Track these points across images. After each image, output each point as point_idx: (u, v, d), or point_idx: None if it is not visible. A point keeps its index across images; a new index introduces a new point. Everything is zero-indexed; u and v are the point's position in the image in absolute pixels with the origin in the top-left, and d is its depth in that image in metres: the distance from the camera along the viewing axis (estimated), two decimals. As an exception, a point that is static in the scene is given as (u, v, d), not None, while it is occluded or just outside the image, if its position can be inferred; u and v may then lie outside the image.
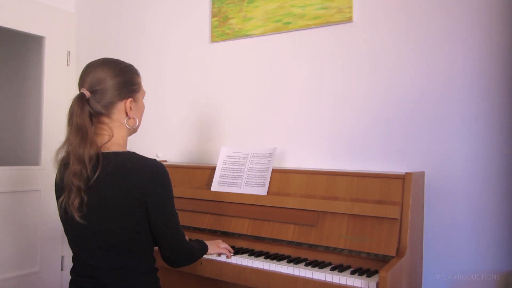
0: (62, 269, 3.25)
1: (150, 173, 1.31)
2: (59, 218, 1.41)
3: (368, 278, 1.55)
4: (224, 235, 2.05)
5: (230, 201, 2.07)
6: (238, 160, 2.18)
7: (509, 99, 1.83)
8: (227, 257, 1.82)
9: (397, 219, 1.68)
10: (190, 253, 1.50)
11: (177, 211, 1.43)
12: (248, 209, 2.02)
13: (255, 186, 2.06)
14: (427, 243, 1.95)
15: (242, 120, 2.54)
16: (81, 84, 1.36)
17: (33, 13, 3.10)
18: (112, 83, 1.35)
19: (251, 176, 2.09)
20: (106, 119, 1.37)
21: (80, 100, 1.31)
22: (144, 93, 1.49)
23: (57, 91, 3.26)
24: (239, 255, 1.83)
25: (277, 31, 2.40)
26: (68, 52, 3.34)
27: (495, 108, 1.85)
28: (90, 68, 1.38)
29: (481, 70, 1.88)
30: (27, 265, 3.04)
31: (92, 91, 1.33)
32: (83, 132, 1.28)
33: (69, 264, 3.27)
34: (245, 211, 2.02)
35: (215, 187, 2.18)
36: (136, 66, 1.51)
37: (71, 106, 1.32)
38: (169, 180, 1.37)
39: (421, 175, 1.91)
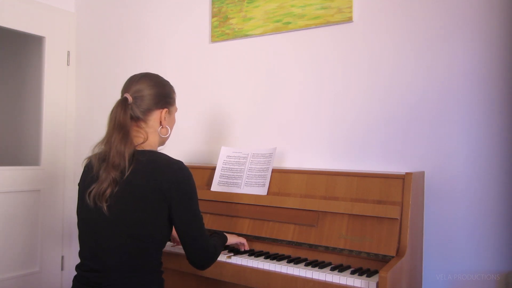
0: (62, 269, 3.25)
1: (177, 171, 1.42)
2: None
3: (368, 278, 1.55)
4: (224, 235, 2.06)
5: (230, 201, 2.07)
6: (238, 160, 2.18)
7: (509, 99, 1.83)
8: (245, 247, 1.91)
9: (397, 219, 1.68)
10: (214, 253, 1.55)
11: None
12: (248, 209, 2.02)
13: (255, 186, 2.06)
14: (427, 243, 1.95)
15: (242, 120, 2.54)
16: (125, 90, 1.50)
17: (33, 13, 3.10)
18: (152, 92, 1.50)
19: (251, 176, 2.09)
20: (142, 124, 1.50)
21: (123, 103, 1.45)
22: (176, 109, 1.63)
23: (57, 91, 3.26)
24: (239, 255, 1.83)
25: (277, 31, 2.40)
26: (68, 52, 3.34)
27: (495, 108, 1.85)
28: (134, 78, 1.52)
29: (481, 70, 1.88)
30: (27, 265, 3.04)
31: (134, 97, 1.47)
32: (125, 131, 1.41)
33: (69, 264, 3.29)
34: (245, 211, 2.02)
35: (215, 187, 2.18)
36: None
37: (114, 107, 1.45)
38: (193, 182, 1.47)
39: (421, 175, 1.91)
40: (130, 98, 1.46)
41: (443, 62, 1.95)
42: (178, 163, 1.46)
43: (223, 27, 2.60)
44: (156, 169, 1.40)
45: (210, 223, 2.11)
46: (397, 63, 2.06)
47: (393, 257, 1.63)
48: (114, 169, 1.36)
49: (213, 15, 2.64)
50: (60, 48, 3.29)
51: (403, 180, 1.73)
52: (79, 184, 1.50)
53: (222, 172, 2.19)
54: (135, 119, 1.48)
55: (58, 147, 3.27)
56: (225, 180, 2.16)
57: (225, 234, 1.79)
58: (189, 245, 1.47)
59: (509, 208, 1.81)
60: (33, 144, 3.30)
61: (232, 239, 1.85)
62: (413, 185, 1.73)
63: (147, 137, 1.49)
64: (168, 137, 1.59)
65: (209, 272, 1.83)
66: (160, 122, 1.53)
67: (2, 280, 2.88)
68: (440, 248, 1.93)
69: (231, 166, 2.18)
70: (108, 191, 1.36)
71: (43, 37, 3.19)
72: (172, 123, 1.61)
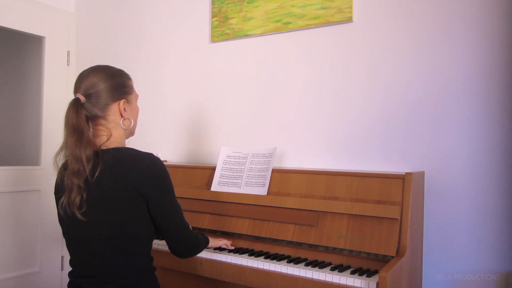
0: (62, 269, 3.25)
1: (148, 165, 1.36)
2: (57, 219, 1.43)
3: (368, 278, 1.55)
4: (224, 235, 2.05)
5: (230, 201, 2.07)
6: (238, 160, 2.18)
7: (509, 99, 1.83)
8: (227, 246, 1.94)
9: (397, 219, 1.68)
10: (196, 243, 1.55)
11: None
12: (248, 209, 2.02)
13: (255, 186, 2.06)
14: (427, 243, 1.95)
15: (242, 120, 2.54)
16: (76, 90, 1.42)
17: (33, 13, 3.10)
18: (104, 85, 1.40)
19: (251, 176, 2.09)
20: (102, 121, 1.42)
21: (75, 104, 1.37)
22: (137, 96, 1.54)
23: (57, 91, 3.26)
24: (239, 255, 1.83)
25: (277, 31, 2.40)
26: (68, 52, 3.34)
27: (495, 108, 1.85)
28: (83, 75, 1.43)
29: (481, 70, 1.88)
30: (27, 265, 3.04)
31: (87, 95, 1.39)
32: (79, 132, 1.33)
33: (69, 264, 3.28)
34: (245, 211, 2.02)
35: (215, 187, 2.18)
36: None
37: (67, 110, 1.37)
38: (167, 173, 1.41)
39: (421, 175, 1.91)
40: (82, 98, 1.37)
41: (443, 62, 1.95)
42: (148, 156, 1.38)
43: (223, 27, 2.60)
44: (124, 166, 1.33)
45: (210, 223, 2.11)
46: (397, 63, 2.06)
47: (393, 257, 1.63)
48: (75, 176, 1.30)
49: (213, 15, 2.64)
50: (60, 48, 3.29)
51: (403, 180, 1.73)
52: (54, 193, 1.45)
53: (222, 172, 2.19)
54: (93, 117, 1.40)
55: (58, 147, 3.26)
56: (225, 180, 2.16)
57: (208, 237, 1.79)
58: (171, 235, 1.44)
59: (509, 208, 1.81)
60: (33, 144, 3.30)
61: (213, 242, 1.87)
62: (413, 185, 1.73)
63: (111, 133, 1.41)
64: (134, 127, 1.51)
65: (209, 272, 1.83)
66: (121, 114, 1.44)
67: (2, 280, 2.88)
68: (440, 248, 1.93)
69: (231, 166, 2.18)
70: (78, 199, 1.30)
71: (43, 37, 3.19)
72: (134, 112, 1.51)
